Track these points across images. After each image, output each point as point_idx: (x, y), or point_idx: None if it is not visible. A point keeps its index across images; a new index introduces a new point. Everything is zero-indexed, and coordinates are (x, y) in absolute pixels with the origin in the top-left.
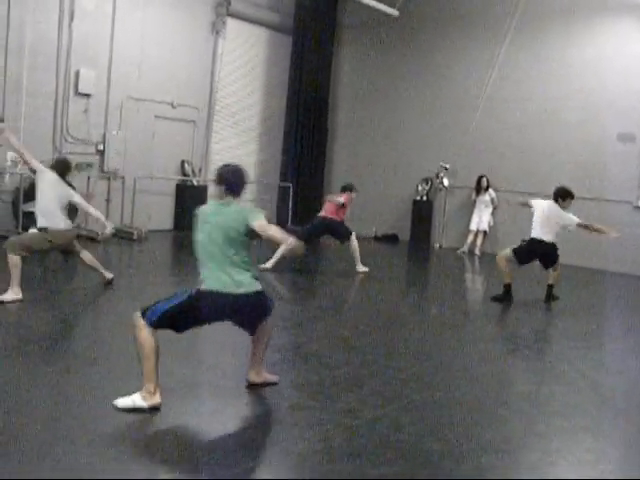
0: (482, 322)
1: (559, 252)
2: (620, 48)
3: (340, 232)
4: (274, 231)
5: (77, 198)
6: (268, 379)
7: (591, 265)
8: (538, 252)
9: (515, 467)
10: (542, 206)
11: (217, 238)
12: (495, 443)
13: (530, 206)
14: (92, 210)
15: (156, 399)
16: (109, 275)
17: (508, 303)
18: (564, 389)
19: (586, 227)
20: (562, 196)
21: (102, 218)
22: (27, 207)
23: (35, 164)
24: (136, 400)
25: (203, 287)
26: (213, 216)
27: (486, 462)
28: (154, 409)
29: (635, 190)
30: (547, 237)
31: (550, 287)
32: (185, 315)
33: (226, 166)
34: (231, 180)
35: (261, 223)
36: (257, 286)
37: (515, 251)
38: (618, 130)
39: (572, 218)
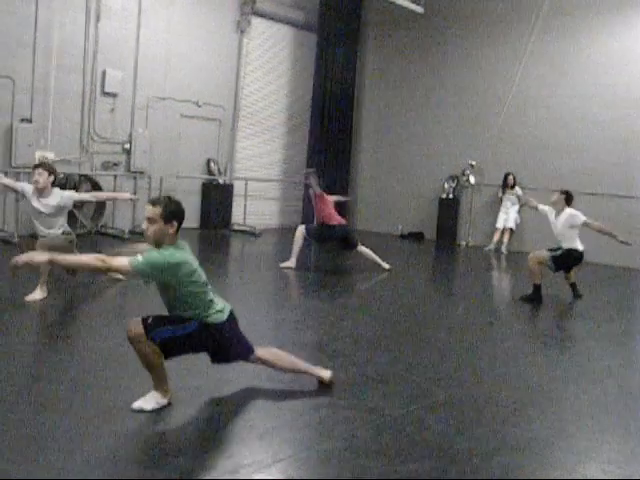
0: (508, 320)
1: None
2: None
3: (354, 238)
4: None
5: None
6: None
7: (618, 263)
8: (573, 261)
9: (542, 466)
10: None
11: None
12: (522, 442)
13: (535, 208)
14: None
15: (170, 394)
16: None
17: (537, 303)
18: (592, 388)
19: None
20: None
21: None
22: None
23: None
24: (159, 399)
25: (211, 320)
26: (195, 260)
27: (513, 461)
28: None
29: None
30: (580, 245)
31: (574, 285)
32: (187, 345)
33: (172, 200)
34: (182, 216)
35: None
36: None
37: (554, 259)
38: None
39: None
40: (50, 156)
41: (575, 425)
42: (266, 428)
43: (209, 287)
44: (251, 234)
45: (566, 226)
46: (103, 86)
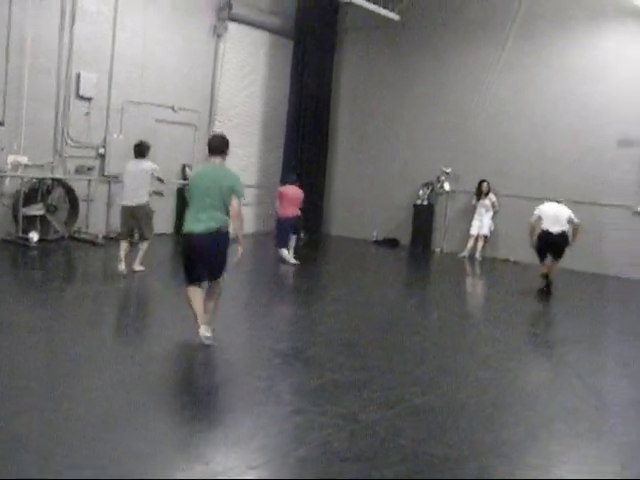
0: (482, 326)
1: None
2: (620, 53)
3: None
4: None
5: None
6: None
7: (591, 269)
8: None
9: (515, 470)
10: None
11: None
12: (495, 447)
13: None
14: None
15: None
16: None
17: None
18: (564, 393)
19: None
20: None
21: None
22: (28, 211)
23: None
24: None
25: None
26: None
27: (487, 465)
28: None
29: (635, 195)
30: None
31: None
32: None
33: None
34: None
35: None
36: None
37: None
38: (618, 136)
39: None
40: (23, 160)
41: (547, 429)
42: (241, 435)
43: (197, 206)
44: None
45: None
46: (78, 89)
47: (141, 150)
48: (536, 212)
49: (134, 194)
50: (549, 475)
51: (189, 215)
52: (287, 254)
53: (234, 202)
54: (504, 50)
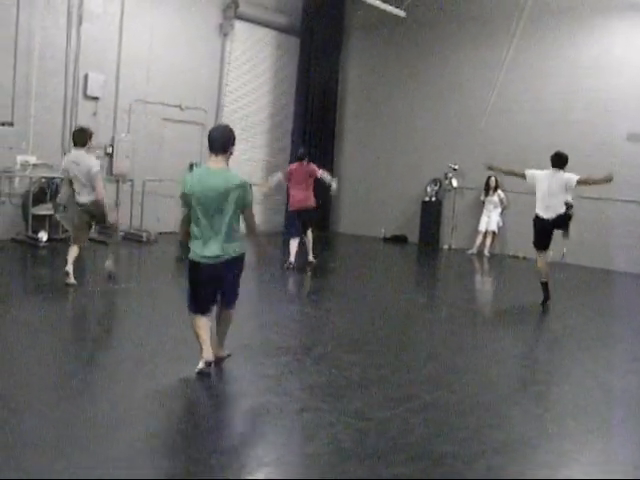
0: (491, 323)
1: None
2: (629, 46)
3: (308, 222)
4: None
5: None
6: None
7: (600, 265)
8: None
9: (526, 468)
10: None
11: None
12: (506, 444)
13: (522, 176)
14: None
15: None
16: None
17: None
18: (574, 390)
19: (585, 182)
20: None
21: None
22: (37, 210)
23: None
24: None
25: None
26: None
27: (497, 463)
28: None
29: None
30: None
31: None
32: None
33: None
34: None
35: None
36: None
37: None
38: (627, 130)
39: (572, 177)
40: (32, 160)
41: (558, 427)
42: (250, 432)
43: (204, 227)
44: None
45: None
46: (85, 90)
47: (82, 138)
48: (530, 173)
49: (82, 192)
50: (559, 475)
51: (195, 239)
52: (293, 248)
53: (247, 215)
54: (512, 45)
